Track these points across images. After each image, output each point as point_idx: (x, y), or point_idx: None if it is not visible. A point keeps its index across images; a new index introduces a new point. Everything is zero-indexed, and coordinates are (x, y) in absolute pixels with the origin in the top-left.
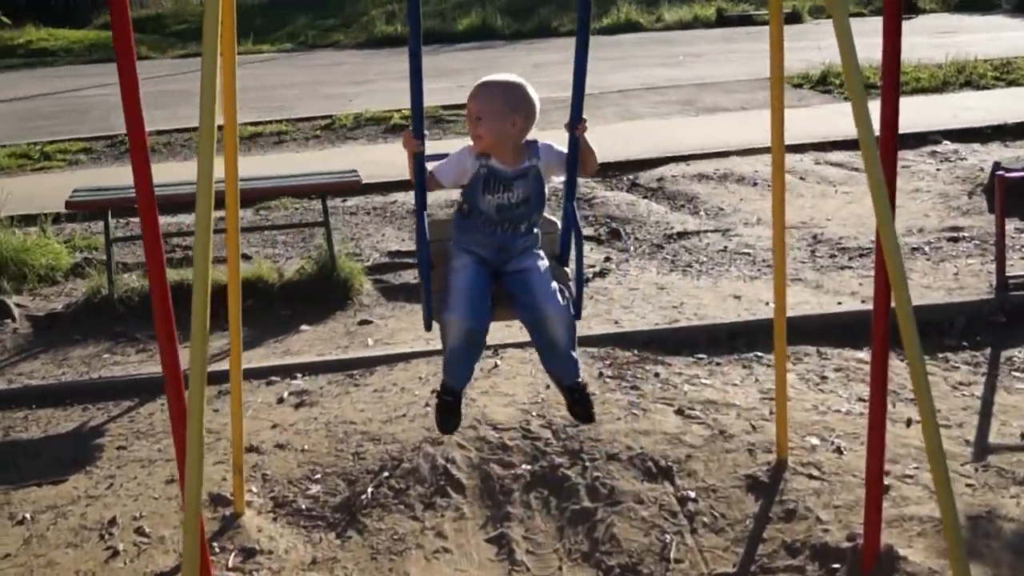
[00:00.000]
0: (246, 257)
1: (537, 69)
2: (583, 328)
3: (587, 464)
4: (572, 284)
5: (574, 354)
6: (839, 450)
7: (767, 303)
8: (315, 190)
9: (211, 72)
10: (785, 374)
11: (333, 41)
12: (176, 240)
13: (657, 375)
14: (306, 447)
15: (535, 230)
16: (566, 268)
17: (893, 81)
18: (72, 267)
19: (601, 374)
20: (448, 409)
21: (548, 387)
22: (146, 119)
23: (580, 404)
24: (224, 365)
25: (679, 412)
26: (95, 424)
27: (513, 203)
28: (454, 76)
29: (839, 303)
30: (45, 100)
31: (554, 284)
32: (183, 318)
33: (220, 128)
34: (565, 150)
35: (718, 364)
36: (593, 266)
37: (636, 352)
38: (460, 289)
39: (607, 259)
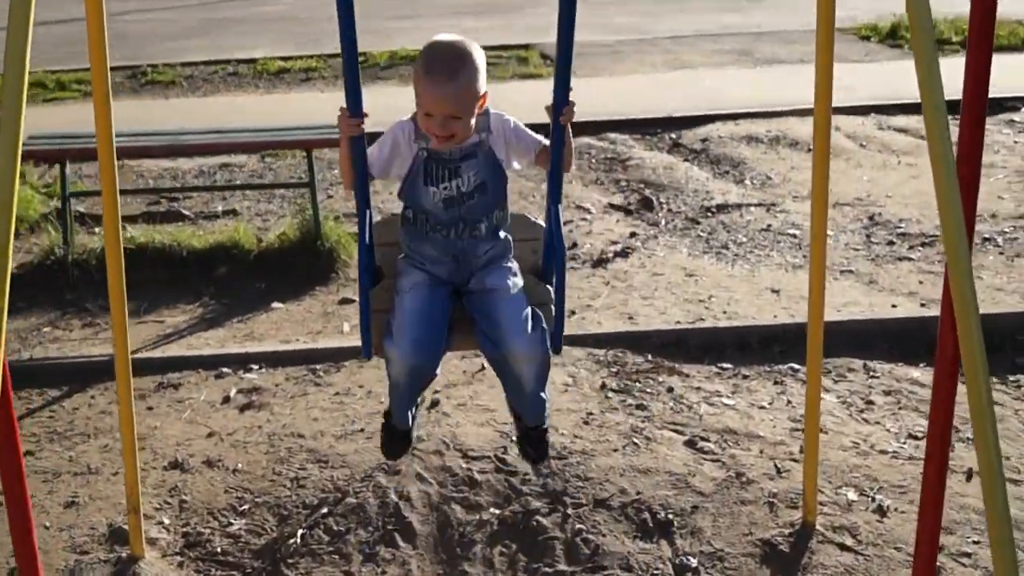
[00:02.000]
0: (234, 213)
1: (586, 4)
2: (591, 324)
3: (569, 512)
4: (553, 307)
5: (543, 395)
6: (881, 510)
7: None
8: (291, 146)
9: None
10: (817, 414)
11: None
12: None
13: (671, 390)
14: (240, 466)
15: (502, 234)
16: (548, 286)
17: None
18: (43, 218)
19: (604, 385)
20: (392, 437)
21: None
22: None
23: (534, 446)
24: (172, 350)
25: (690, 443)
26: None
27: (464, 192)
28: (503, 14)
29: (893, 305)
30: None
31: (527, 310)
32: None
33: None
34: (528, 132)
35: (745, 377)
36: (617, 242)
37: (650, 357)
38: (407, 316)
39: (632, 235)
